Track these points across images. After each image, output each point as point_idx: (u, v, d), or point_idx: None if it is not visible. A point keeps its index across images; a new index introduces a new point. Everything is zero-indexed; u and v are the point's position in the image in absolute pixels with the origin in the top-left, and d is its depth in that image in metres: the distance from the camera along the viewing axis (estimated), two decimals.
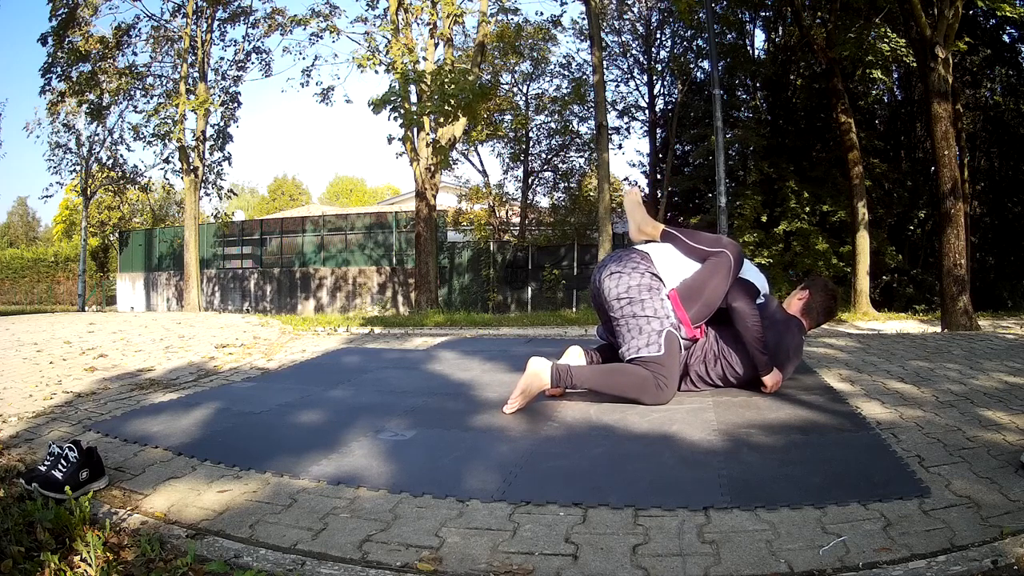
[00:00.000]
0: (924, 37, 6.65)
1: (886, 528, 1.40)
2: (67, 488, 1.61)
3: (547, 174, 19.72)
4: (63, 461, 1.73)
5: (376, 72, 12.61)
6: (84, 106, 14.13)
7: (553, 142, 18.99)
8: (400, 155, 12.90)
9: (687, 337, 2.59)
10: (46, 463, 1.75)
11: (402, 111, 9.76)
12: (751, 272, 2.75)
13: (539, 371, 2.44)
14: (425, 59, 11.47)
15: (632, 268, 2.60)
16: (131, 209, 24.73)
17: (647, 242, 2.83)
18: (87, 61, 13.26)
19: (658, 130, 18.17)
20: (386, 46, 11.04)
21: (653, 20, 17.72)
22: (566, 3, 32.43)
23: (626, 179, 19.84)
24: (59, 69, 13.48)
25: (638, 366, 2.46)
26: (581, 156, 18.90)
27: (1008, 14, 9.12)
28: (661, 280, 2.60)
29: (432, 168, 11.17)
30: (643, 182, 19.02)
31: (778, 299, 2.88)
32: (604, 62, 14.41)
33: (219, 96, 13.76)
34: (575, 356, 2.67)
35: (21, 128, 34.91)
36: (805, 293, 2.83)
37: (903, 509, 1.48)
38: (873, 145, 14.14)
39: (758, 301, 2.70)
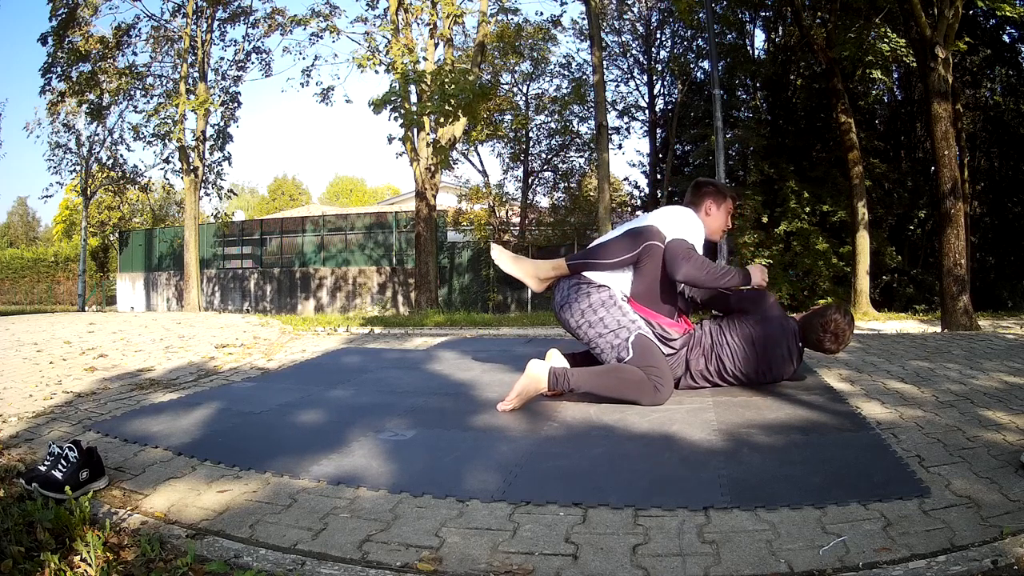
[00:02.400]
0: (924, 37, 6.65)
1: (886, 528, 1.40)
2: (67, 488, 1.61)
3: (547, 174, 19.74)
4: (63, 461, 1.73)
5: (376, 72, 12.61)
6: (84, 106, 14.13)
7: (553, 142, 19.01)
8: (400, 155, 12.91)
9: (676, 336, 2.59)
10: (46, 463, 1.75)
11: (402, 111, 9.76)
12: (678, 231, 2.60)
13: (538, 375, 2.45)
14: (425, 59, 11.47)
15: (578, 292, 2.60)
16: (131, 209, 24.73)
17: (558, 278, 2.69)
18: (87, 61, 13.26)
19: (658, 130, 18.18)
20: (386, 46, 11.04)
21: (653, 20, 17.74)
22: (566, 3, 32.48)
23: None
24: (59, 69, 13.48)
25: (634, 368, 2.46)
26: (581, 156, 18.93)
27: (1008, 14, 9.11)
28: (609, 288, 2.58)
29: (432, 168, 11.17)
30: (643, 182, 19.06)
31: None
32: (604, 62, 14.42)
33: (219, 96, 13.76)
34: (556, 357, 2.64)
35: (21, 128, 34.97)
36: (819, 306, 2.82)
37: (903, 509, 1.48)
38: (873, 145, 14.14)
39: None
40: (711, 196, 2.83)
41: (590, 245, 2.68)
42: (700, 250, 2.66)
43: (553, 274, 2.68)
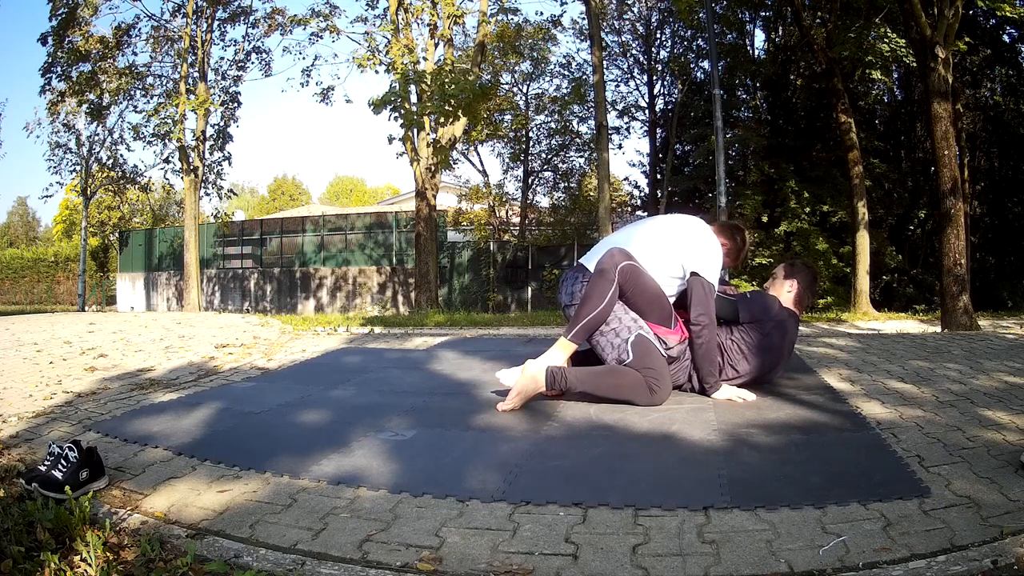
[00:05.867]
0: (924, 37, 6.65)
1: (886, 528, 1.40)
2: (67, 488, 1.61)
3: (547, 174, 19.76)
4: (63, 461, 1.72)
5: (376, 72, 12.60)
6: (84, 106, 14.13)
7: (553, 142, 19.02)
8: (400, 155, 12.90)
9: (673, 344, 2.59)
10: (46, 463, 1.75)
11: (402, 111, 9.75)
12: (708, 258, 2.61)
13: (535, 374, 2.45)
14: (425, 59, 11.47)
15: (583, 289, 2.58)
16: (131, 209, 24.74)
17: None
18: (87, 61, 13.26)
19: (658, 130, 18.19)
20: (386, 46, 11.04)
21: (653, 20, 17.75)
22: (566, 3, 32.53)
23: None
24: (59, 69, 13.48)
25: (631, 368, 2.46)
26: (581, 156, 18.95)
27: (1008, 14, 9.13)
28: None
29: (432, 168, 11.17)
30: (643, 182, 19.08)
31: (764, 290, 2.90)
32: (604, 62, 14.41)
33: (219, 96, 13.77)
34: (558, 356, 2.64)
35: (21, 128, 34.93)
36: (794, 283, 2.78)
37: (903, 509, 1.48)
38: (873, 145, 14.14)
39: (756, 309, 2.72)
40: (732, 254, 2.86)
41: (572, 307, 2.61)
42: (718, 270, 2.65)
43: (563, 354, 2.54)
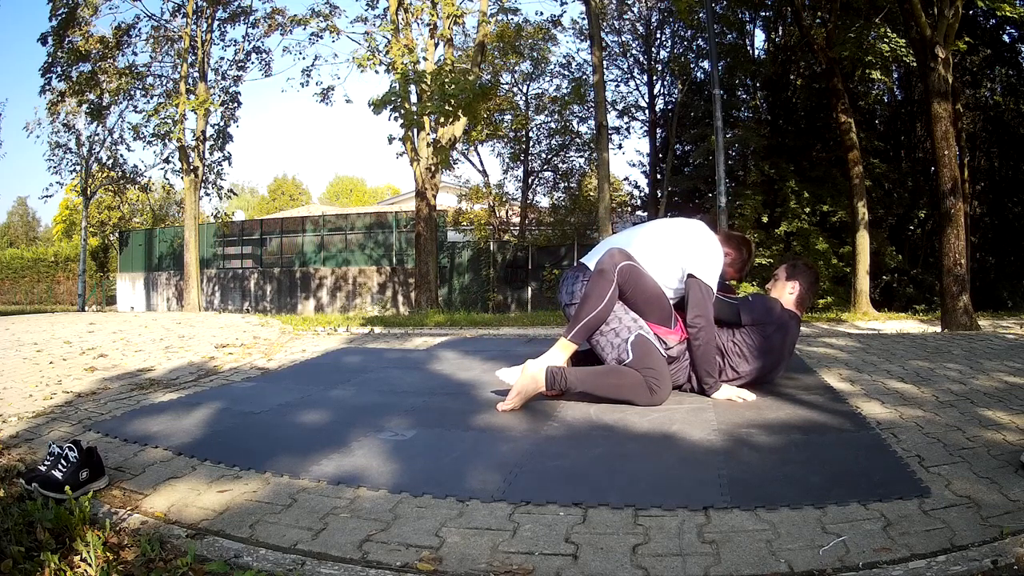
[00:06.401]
0: (924, 37, 6.65)
1: (886, 528, 1.40)
2: (67, 488, 1.61)
3: (547, 174, 19.74)
4: (63, 461, 1.73)
5: (376, 72, 12.61)
6: (84, 106, 14.13)
7: (553, 142, 19.01)
8: (400, 155, 12.92)
9: (673, 344, 2.59)
10: (46, 463, 1.75)
11: (402, 111, 9.74)
12: (708, 264, 2.63)
13: (535, 374, 2.45)
14: (425, 59, 11.47)
15: (583, 289, 2.58)
16: (131, 209, 24.74)
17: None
18: (87, 61, 13.26)
19: (658, 130, 18.17)
20: (386, 46, 11.03)
21: (653, 20, 17.73)
22: (566, 3, 32.55)
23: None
24: (59, 69, 13.48)
25: (631, 368, 2.46)
26: (581, 156, 18.93)
27: (1008, 14, 9.12)
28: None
29: (432, 168, 11.16)
30: (643, 182, 19.07)
31: (764, 291, 2.90)
32: (604, 62, 14.40)
33: (219, 96, 13.76)
34: (558, 356, 2.64)
35: (21, 128, 34.92)
36: (796, 285, 2.77)
37: (903, 509, 1.48)
38: (873, 145, 14.14)
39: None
40: (736, 265, 2.88)
41: (573, 306, 2.62)
42: (718, 274, 2.65)
43: (563, 355, 2.54)
